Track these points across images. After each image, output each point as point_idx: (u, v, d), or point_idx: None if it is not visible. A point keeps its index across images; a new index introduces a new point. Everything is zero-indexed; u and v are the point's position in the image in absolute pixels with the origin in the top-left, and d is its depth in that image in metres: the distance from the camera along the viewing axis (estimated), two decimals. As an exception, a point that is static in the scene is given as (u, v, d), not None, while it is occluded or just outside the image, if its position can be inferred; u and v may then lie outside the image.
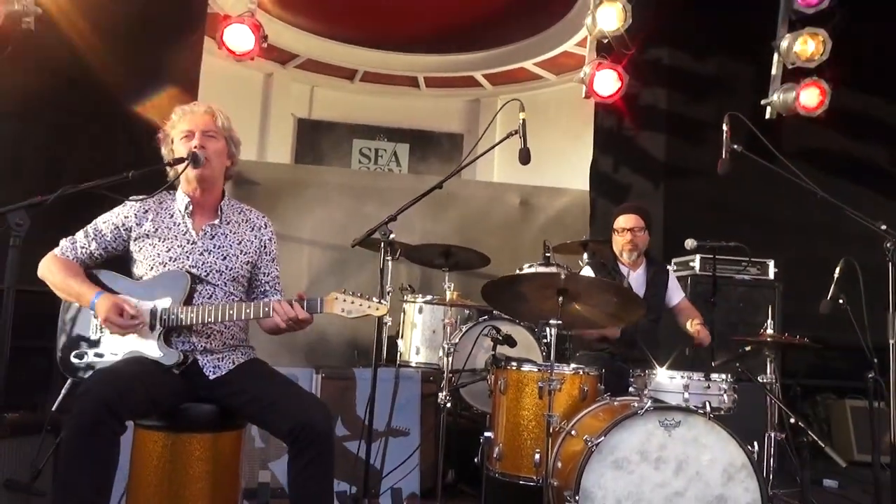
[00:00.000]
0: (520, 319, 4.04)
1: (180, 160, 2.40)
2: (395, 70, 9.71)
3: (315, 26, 8.86)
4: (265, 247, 2.62)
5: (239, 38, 5.03)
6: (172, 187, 2.50)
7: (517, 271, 4.37)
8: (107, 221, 2.50)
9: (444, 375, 3.45)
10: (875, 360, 3.11)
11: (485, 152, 3.33)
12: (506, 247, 5.72)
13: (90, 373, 2.34)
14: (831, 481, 4.50)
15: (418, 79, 9.96)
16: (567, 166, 7.91)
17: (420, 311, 4.43)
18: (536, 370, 3.06)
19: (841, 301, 3.18)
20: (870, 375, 3.14)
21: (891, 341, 2.92)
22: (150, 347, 2.37)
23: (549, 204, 6.76)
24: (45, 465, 2.58)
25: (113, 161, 4.59)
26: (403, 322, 4.54)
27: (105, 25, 4.66)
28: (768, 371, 3.42)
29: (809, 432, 2.83)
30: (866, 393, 3.24)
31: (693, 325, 3.58)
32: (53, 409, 2.52)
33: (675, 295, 3.89)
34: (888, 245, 2.93)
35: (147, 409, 2.26)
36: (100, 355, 2.40)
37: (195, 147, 2.42)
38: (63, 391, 2.48)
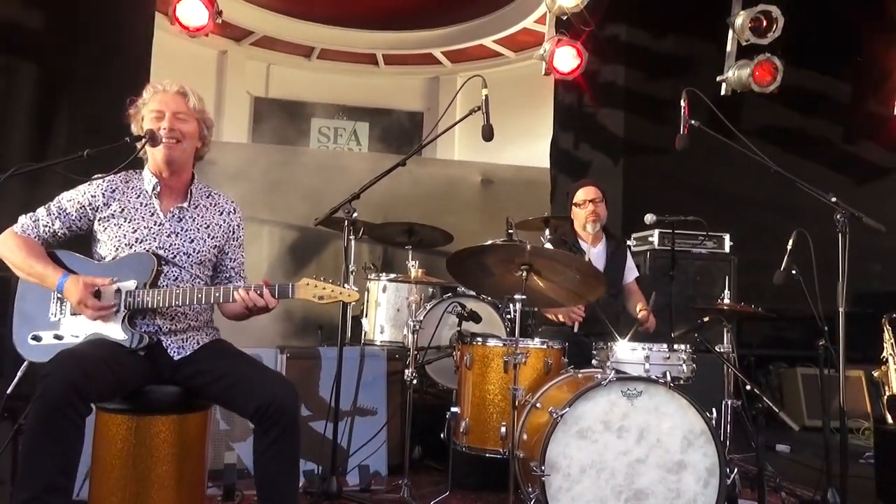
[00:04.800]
0: (484, 295, 4.06)
1: (138, 138, 2.35)
2: (353, 47, 9.59)
3: (270, 2, 8.68)
4: (233, 232, 2.59)
5: (192, 13, 4.88)
6: (133, 165, 2.44)
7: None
8: (72, 200, 2.42)
9: (410, 353, 3.47)
10: (826, 329, 3.22)
11: (448, 129, 3.34)
12: (468, 224, 5.75)
13: (48, 356, 2.25)
14: (784, 446, 4.68)
15: (377, 56, 9.85)
16: (527, 144, 7.95)
17: (384, 289, 4.42)
18: (502, 345, 3.09)
19: (794, 272, 3.27)
20: (821, 343, 3.26)
21: (840, 310, 3.04)
22: (114, 330, 2.32)
23: (510, 181, 6.80)
24: (4, 452, 2.52)
25: (61, 143, 4.45)
26: (367, 301, 4.53)
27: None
28: (725, 341, 3.51)
29: (764, 398, 2.93)
30: (817, 360, 3.36)
31: (640, 310, 3.64)
32: (8, 392, 2.46)
33: (631, 273, 3.98)
34: (838, 217, 3.04)
35: (112, 391, 2.22)
36: (59, 337, 2.34)
37: (164, 129, 2.37)
38: (18, 375, 2.42)
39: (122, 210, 2.42)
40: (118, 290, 2.33)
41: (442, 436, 3.31)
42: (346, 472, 3.49)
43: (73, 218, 2.41)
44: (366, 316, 4.50)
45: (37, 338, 2.35)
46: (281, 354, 3.61)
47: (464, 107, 3.22)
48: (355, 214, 3.14)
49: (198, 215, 2.52)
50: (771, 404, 2.91)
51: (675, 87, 3.48)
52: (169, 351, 2.39)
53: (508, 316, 4.11)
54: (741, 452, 3.74)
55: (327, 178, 6.01)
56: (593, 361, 3.12)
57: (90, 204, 2.41)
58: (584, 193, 3.86)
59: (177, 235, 2.45)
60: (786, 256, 3.28)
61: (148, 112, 2.43)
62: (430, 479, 3.60)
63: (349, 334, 4.51)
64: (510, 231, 4.48)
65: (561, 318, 3.66)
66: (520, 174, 6.94)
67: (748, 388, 3.11)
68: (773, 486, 3.39)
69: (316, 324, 5.48)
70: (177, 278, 2.42)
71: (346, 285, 2.38)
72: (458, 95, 3.75)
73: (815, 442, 4.33)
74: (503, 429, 2.94)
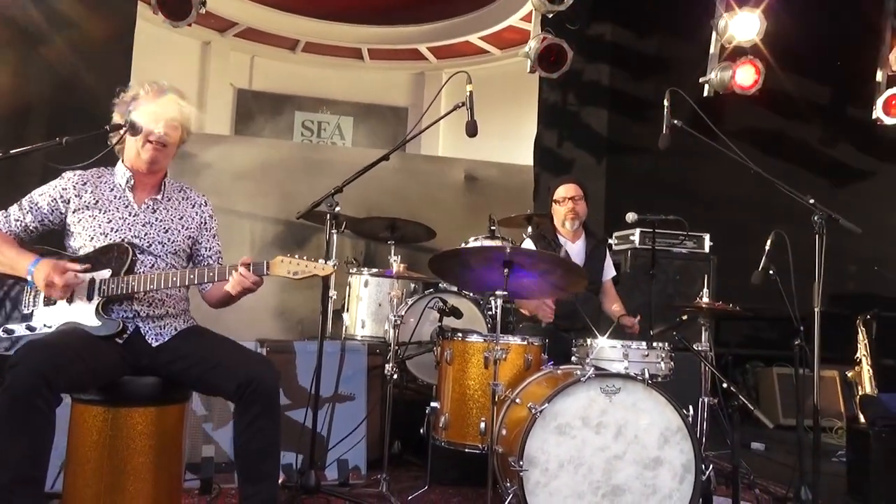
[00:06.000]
0: (466, 291, 4.07)
1: (118, 126, 2.34)
2: (338, 41, 9.55)
3: (255, -7, 8.62)
4: (205, 223, 2.64)
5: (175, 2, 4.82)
6: (112, 153, 2.44)
7: (462, 245, 4.40)
8: (43, 194, 2.43)
9: (391, 348, 3.47)
10: (801, 329, 3.27)
11: (432, 124, 3.33)
12: (451, 220, 5.74)
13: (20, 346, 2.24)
14: (758, 444, 4.75)
15: (362, 51, 9.82)
16: (511, 141, 7.97)
17: (365, 284, 4.42)
18: (482, 340, 3.10)
19: (771, 272, 3.31)
20: (796, 342, 3.31)
21: (816, 310, 3.08)
22: (88, 317, 2.30)
23: (493, 178, 6.82)
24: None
25: (41, 132, 4.38)
26: (349, 295, 4.52)
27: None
28: (703, 340, 3.55)
29: (740, 396, 2.97)
30: (792, 359, 3.41)
31: (624, 318, 3.66)
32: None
33: (608, 272, 3.99)
34: (816, 218, 3.09)
35: (86, 381, 2.20)
36: (31, 328, 2.32)
37: (157, 133, 2.40)
38: None
39: (97, 202, 2.44)
40: (92, 280, 2.33)
41: (421, 431, 3.31)
42: (324, 466, 3.48)
43: (45, 212, 2.41)
44: (347, 310, 4.50)
45: (8, 331, 2.32)
46: (261, 348, 3.59)
47: (448, 103, 3.22)
48: (338, 208, 3.13)
49: (171, 207, 2.56)
50: (746, 402, 2.94)
51: (658, 87, 3.50)
52: (147, 338, 2.39)
53: (489, 312, 4.13)
54: (717, 449, 3.78)
55: (310, 172, 5.98)
56: (573, 358, 3.14)
57: (61, 197, 2.42)
58: (564, 190, 3.87)
59: (151, 226, 2.48)
60: (763, 257, 3.32)
61: (142, 111, 2.43)
62: (409, 474, 3.61)
63: (330, 329, 4.50)
64: (493, 228, 4.49)
65: (531, 312, 3.68)
66: (503, 171, 6.95)
67: (725, 386, 3.14)
68: (747, 483, 3.44)
69: (296, 318, 5.45)
70: (153, 266, 2.44)
71: (321, 259, 2.37)
72: (443, 91, 3.76)
73: (789, 440, 4.40)
74: (482, 424, 2.95)
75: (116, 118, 2.48)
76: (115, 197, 2.47)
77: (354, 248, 5.91)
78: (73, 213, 2.42)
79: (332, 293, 4.20)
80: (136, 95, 2.47)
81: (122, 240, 2.40)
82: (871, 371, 4.74)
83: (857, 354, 4.81)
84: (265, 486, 2.31)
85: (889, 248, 5.50)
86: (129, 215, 2.46)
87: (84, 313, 2.32)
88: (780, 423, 5.32)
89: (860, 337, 4.79)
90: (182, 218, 2.56)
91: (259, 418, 2.26)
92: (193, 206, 2.62)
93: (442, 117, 3.23)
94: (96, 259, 2.36)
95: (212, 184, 5.61)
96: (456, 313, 3.42)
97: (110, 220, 2.43)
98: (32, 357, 2.05)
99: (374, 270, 4.48)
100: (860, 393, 4.71)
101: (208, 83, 9.67)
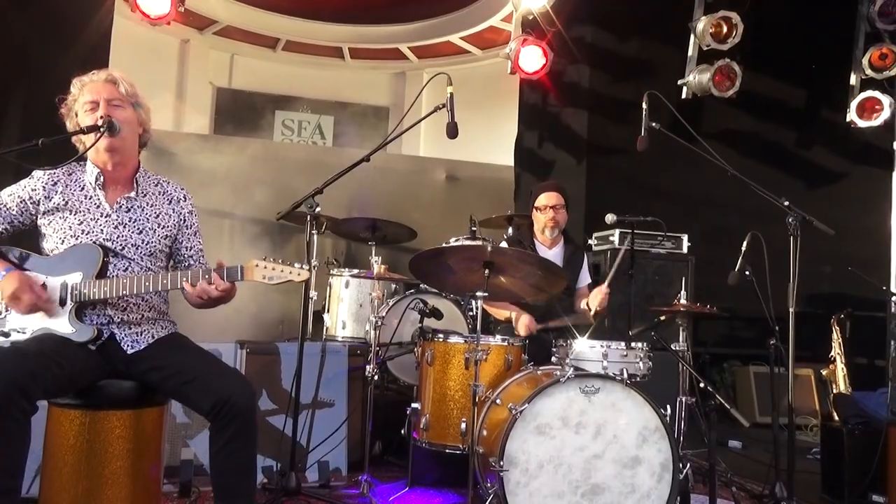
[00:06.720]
0: (446, 292, 4.08)
1: (94, 128, 2.27)
2: (319, 40, 9.49)
3: (235, -9, 8.54)
4: (185, 220, 2.52)
5: (153, 0, 4.78)
6: (83, 158, 2.36)
7: (443, 245, 4.41)
8: (12, 195, 2.35)
9: (372, 349, 3.47)
10: (777, 328, 3.32)
11: (412, 126, 3.34)
12: (432, 221, 5.74)
13: None
14: (735, 442, 4.81)
15: (343, 50, 9.77)
16: (492, 141, 7.98)
17: (346, 285, 4.41)
18: (463, 341, 3.12)
19: (747, 273, 3.36)
20: (771, 342, 3.36)
21: (791, 310, 3.14)
22: (61, 324, 2.26)
23: (474, 178, 6.82)
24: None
25: (15, 132, 4.32)
26: (330, 296, 4.51)
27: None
28: (681, 339, 3.59)
29: (717, 396, 3.01)
30: (768, 359, 3.47)
31: (585, 303, 3.65)
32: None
33: (584, 278, 3.99)
34: (790, 220, 3.14)
35: (62, 387, 2.16)
36: (5, 335, 2.28)
37: (100, 118, 2.28)
38: None
39: (67, 203, 2.35)
40: (64, 283, 2.28)
41: (402, 432, 3.32)
42: (305, 468, 3.48)
43: (14, 213, 2.34)
44: (328, 311, 4.49)
45: None
46: (241, 349, 3.57)
47: (430, 102, 3.22)
48: (318, 209, 3.12)
49: (147, 205, 2.45)
50: (723, 401, 2.99)
51: (638, 89, 3.54)
52: (122, 344, 2.33)
53: (470, 313, 4.14)
54: (694, 448, 3.83)
55: (290, 172, 5.95)
56: (553, 358, 3.16)
57: (30, 198, 2.34)
58: (545, 199, 3.83)
59: (125, 227, 2.39)
60: (740, 258, 3.37)
61: (81, 106, 2.34)
62: (390, 475, 3.61)
63: (310, 329, 4.48)
64: (473, 229, 4.50)
65: (512, 319, 3.67)
66: (484, 172, 6.96)
67: (702, 385, 3.19)
68: (724, 481, 3.48)
69: (277, 319, 5.43)
70: (126, 270, 2.36)
71: (296, 264, 2.30)
72: (424, 91, 3.76)
73: (765, 438, 4.47)
74: (463, 425, 2.97)
75: (69, 126, 2.38)
76: (86, 197, 2.38)
77: (335, 249, 5.89)
78: (44, 215, 2.35)
79: (313, 294, 4.18)
80: (75, 97, 2.37)
81: (94, 242, 2.32)
82: (845, 369, 4.83)
83: (832, 353, 4.89)
84: (241, 502, 2.28)
85: (862, 248, 5.59)
86: (101, 216, 2.37)
87: (57, 319, 2.27)
88: (756, 422, 5.39)
89: (834, 336, 4.87)
90: (158, 216, 2.45)
91: (234, 438, 2.20)
92: (171, 203, 2.50)
93: (421, 120, 3.22)
94: (67, 260, 2.30)
95: (191, 184, 5.55)
96: (437, 314, 3.43)
97: (81, 222, 2.34)
98: (6, 366, 2.01)
99: (355, 271, 4.47)
100: (834, 391, 4.79)
101: (187, 82, 9.55)
